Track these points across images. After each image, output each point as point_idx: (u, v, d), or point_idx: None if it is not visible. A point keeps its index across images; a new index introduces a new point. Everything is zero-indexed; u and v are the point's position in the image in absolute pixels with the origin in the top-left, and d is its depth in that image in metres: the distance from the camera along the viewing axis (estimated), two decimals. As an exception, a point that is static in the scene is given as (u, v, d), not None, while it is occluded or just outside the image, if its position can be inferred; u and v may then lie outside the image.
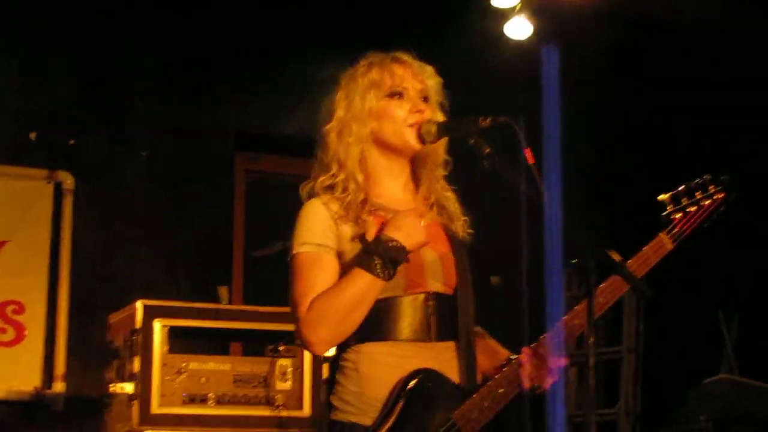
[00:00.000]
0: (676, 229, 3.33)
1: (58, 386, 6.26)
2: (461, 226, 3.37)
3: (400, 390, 3.10)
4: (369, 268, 3.07)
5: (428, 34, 6.35)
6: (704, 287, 6.85)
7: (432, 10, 6.96)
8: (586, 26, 6.76)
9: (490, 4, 6.75)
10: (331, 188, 3.25)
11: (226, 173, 7.04)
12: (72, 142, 6.58)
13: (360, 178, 3.26)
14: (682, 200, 3.36)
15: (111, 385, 5.01)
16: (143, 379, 4.89)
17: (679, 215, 3.34)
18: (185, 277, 6.76)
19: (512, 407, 3.21)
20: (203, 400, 4.98)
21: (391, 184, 3.32)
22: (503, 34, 6.87)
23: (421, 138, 3.26)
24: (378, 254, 3.08)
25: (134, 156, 6.75)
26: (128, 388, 4.90)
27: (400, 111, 3.28)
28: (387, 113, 3.28)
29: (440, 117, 3.31)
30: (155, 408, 4.90)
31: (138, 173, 6.74)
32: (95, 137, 6.64)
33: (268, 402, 5.03)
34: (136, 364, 4.91)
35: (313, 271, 3.14)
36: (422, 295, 3.18)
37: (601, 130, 7.40)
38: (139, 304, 4.98)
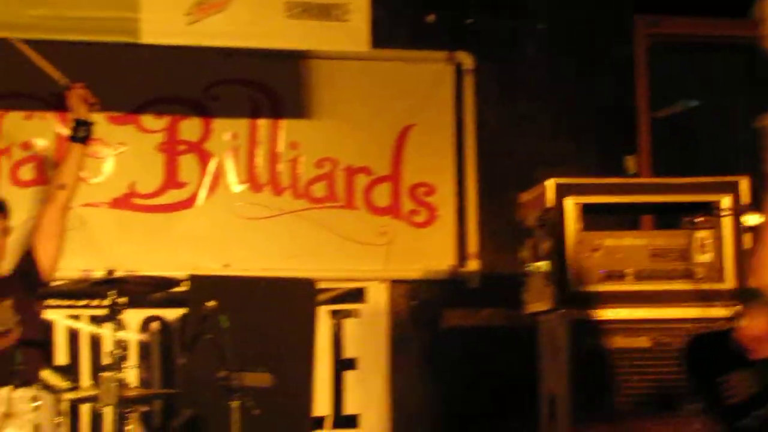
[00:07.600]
0: None
1: (472, 264, 6.36)
2: None
3: None
4: None
5: None
6: None
7: None
8: None
9: None
10: None
11: (626, 39, 6.83)
12: (470, 21, 6.58)
13: None
14: None
15: (526, 264, 5.02)
16: (558, 258, 4.88)
17: None
18: (590, 148, 6.65)
19: None
20: (621, 277, 4.91)
21: None
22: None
23: None
24: None
25: (532, 30, 6.67)
26: (543, 266, 4.89)
27: None
28: None
29: None
30: (572, 286, 4.87)
31: (536, 47, 6.67)
32: (492, 14, 6.60)
33: (688, 275, 4.88)
34: (551, 243, 4.89)
35: None
36: None
37: None
38: (549, 183, 4.94)
